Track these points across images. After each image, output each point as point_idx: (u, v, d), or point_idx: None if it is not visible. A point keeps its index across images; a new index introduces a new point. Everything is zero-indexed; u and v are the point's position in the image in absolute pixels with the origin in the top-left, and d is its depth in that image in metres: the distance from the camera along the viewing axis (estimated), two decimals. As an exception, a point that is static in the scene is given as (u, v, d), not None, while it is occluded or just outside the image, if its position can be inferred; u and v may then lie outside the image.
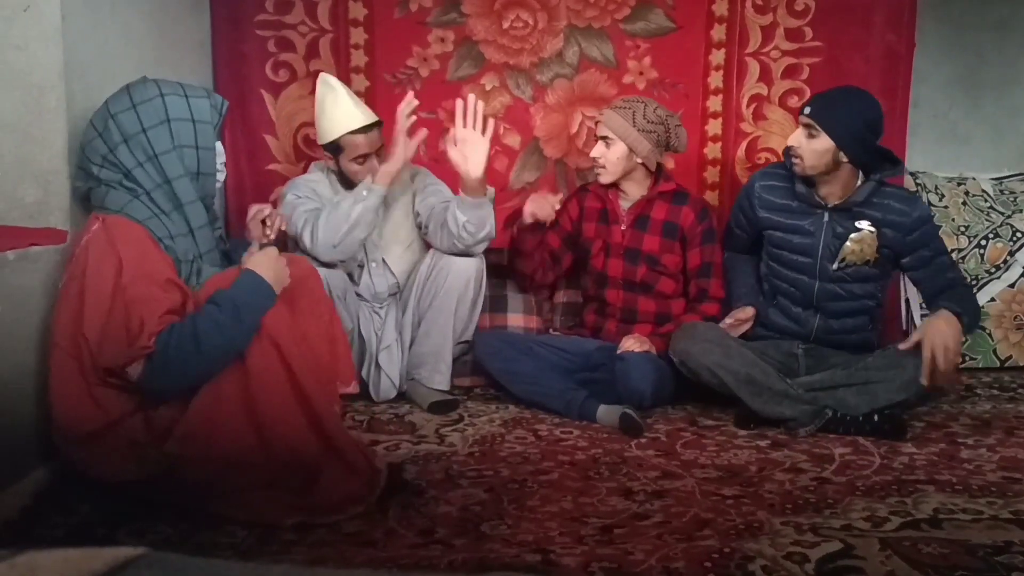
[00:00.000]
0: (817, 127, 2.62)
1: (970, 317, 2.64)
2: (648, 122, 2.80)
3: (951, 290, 2.69)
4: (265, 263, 2.05)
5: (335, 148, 2.81)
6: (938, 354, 2.52)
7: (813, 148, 2.64)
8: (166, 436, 1.94)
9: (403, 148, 2.73)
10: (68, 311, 1.94)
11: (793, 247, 2.80)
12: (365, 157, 2.80)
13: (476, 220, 2.75)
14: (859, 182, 2.70)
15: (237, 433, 1.93)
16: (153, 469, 1.92)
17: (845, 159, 2.64)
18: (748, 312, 2.86)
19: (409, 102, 2.73)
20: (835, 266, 2.70)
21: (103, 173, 2.05)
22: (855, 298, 2.77)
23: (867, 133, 2.64)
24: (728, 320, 2.82)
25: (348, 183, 2.87)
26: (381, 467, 2.07)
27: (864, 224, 2.67)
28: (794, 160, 2.69)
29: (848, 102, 2.65)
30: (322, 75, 2.87)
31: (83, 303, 1.91)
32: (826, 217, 2.73)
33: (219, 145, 2.20)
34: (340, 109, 2.78)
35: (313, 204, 2.79)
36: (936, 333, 2.55)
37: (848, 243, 2.70)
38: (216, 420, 1.93)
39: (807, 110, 2.66)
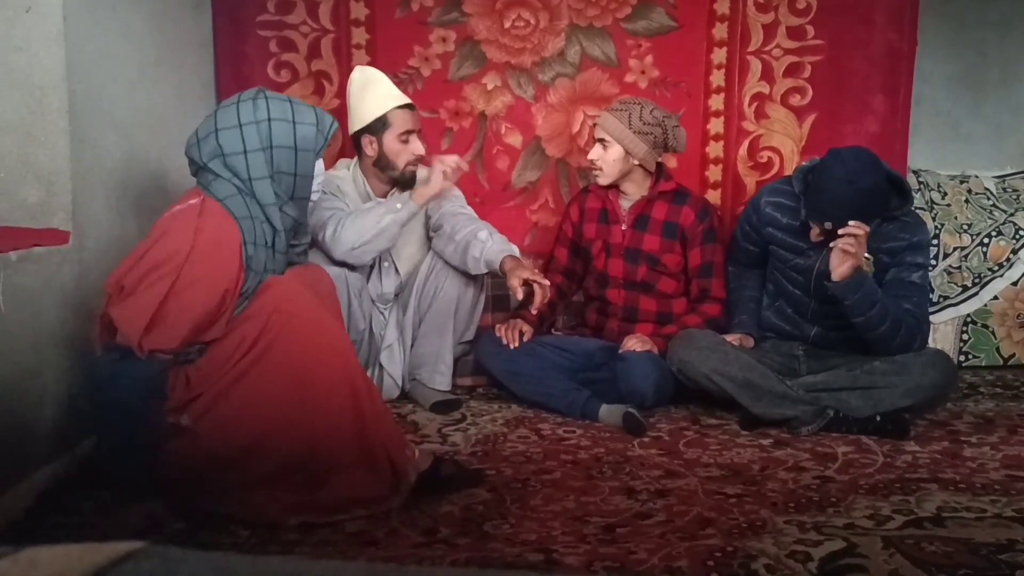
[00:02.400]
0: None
1: (875, 323, 2.58)
2: (644, 124, 2.79)
3: (900, 313, 2.62)
4: None
5: (380, 125, 2.80)
6: (847, 246, 2.49)
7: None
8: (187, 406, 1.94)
9: (440, 176, 2.75)
10: (128, 260, 1.96)
11: (791, 265, 2.80)
12: (409, 135, 2.81)
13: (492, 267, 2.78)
14: None
15: (265, 418, 1.91)
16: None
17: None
18: (748, 342, 2.85)
19: (459, 165, 2.80)
20: (830, 290, 2.69)
21: (211, 164, 2.05)
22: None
23: (881, 204, 2.60)
24: (730, 339, 2.81)
25: (379, 175, 2.87)
26: (409, 479, 2.02)
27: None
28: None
29: (851, 192, 2.54)
30: (359, 67, 2.93)
31: (140, 259, 1.93)
32: (827, 245, 2.67)
33: (320, 164, 2.18)
34: (385, 88, 2.83)
35: (338, 202, 2.80)
36: (856, 255, 2.51)
37: None
38: (248, 401, 1.92)
39: (828, 225, 2.59)
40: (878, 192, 2.59)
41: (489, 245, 2.74)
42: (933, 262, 3.39)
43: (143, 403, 1.90)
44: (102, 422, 1.91)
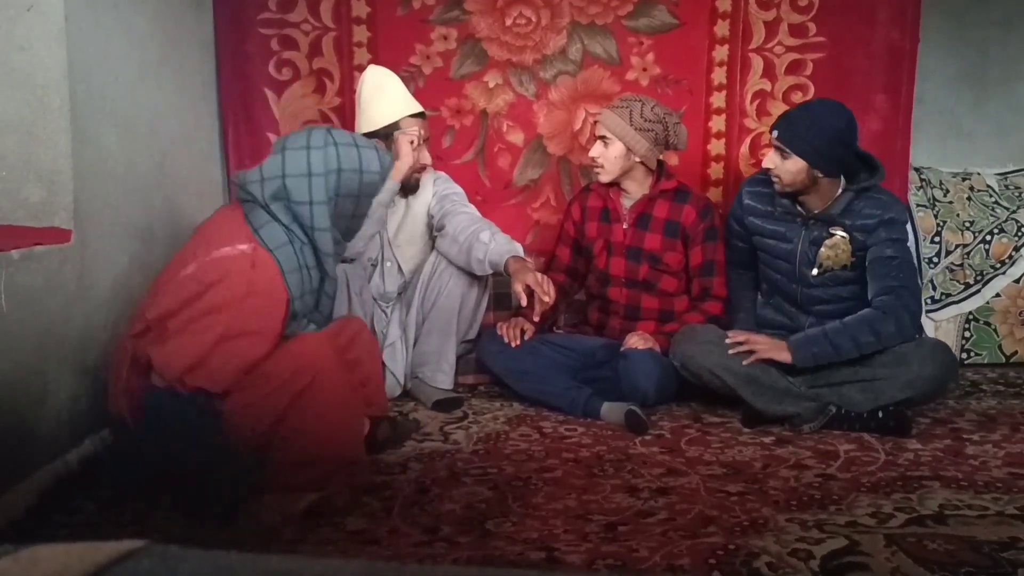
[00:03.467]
0: (787, 148, 2.62)
1: (849, 347, 2.61)
2: (645, 120, 2.79)
3: (879, 303, 2.62)
4: None
5: (391, 132, 2.80)
6: (748, 348, 2.63)
7: (787, 168, 2.64)
8: None
9: (407, 147, 2.75)
10: (173, 296, 1.95)
11: (774, 253, 2.81)
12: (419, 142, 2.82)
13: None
14: (840, 191, 2.69)
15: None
16: None
17: (820, 175, 2.64)
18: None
19: (421, 133, 2.81)
20: (814, 272, 2.71)
21: (272, 205, 2.05)
22: (842, 300, 2.75)
23: (835, 146, 2.61)
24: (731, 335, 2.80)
25: None
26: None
27: (837, 231, 2.67)
28: (773, 180, 2.70)
29: (812, 118, 2.62)
30: (373, 66, 2.92)
31: (190, 302, 1.94)
32: (804, 226, 2.73)
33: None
34: (399, 94, 2.83)
35: None
36: (767, 348, 2.64)
37: (823, 249, 2.70)
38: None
39: (775, 132, 2.66)
40: (828, 132, 2.59)
41: (492, 246, 2.74)
42: (937, 259, 3.39)
43: (193, 436, 1.92)
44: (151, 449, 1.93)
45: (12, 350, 1.95)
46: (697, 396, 2.81)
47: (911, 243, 2.67)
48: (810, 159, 2.61)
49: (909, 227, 2.69)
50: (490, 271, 2.79)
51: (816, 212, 2.71)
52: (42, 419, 2.06)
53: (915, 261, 2.72)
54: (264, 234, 2.03)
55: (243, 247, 2.00)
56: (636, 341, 2.77)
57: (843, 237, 2.66)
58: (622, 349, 2.78)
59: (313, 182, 2.03)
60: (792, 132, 2.62)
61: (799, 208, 2.74)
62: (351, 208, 2.11)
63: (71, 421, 2.16)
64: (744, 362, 2.62)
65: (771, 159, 2.68)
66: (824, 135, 2.59)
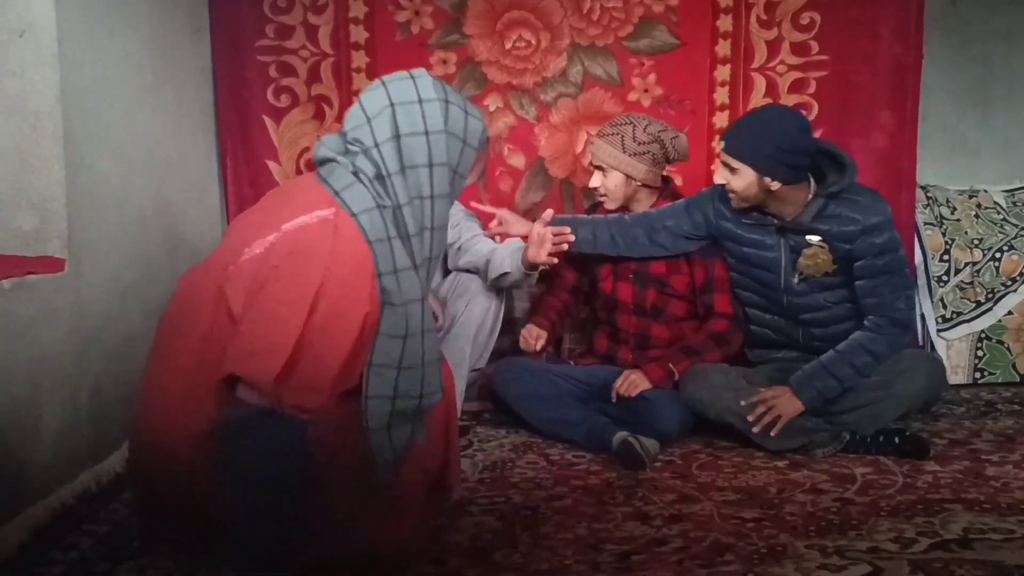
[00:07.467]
0: (734, 160, 2.52)
1: (846, 380, 2.54)
2: (639, 144, 2.73)
3: (870, 324, 2.56)
4: None
5: None
6: (770, 417, 2.53)
7: (737, 183, 2.54)
8: None
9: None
10: (240, 273, 1.65)
11: (755, 262, 2.71)
12: None
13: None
14: (811, 195, 2.57)
15: None
16: None
17: (775, 184, 2.51)
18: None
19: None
20: (795, 280, 2.64)
21: (358, 160, 1.75)
22: (829, 306, 2.66)
23: (784, 153, 2.47)
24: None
25: None
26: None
27: (813, 239, 2.57)
28: (730, 196, 2.60)
29: (756, 126, 2.53)
30: None
31: (262, 287, 1.62)
32: (780, 233, 2.63)
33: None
34: None
35: None
36: (783, 405, 2.53)
37: (801, 259, 2.61)
38: None
39: (722, 144, 2.58)
40: (775, 137, 2.46)
41: (499, 252, 2.71)
42: (946, 278, 3.33)
43: (282, 470, 1.58)
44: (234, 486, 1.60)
45: (4, 381, 1.90)
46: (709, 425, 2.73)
47: (898, 238, 2.58)
48: (758, 167, 2.49)
49: (891, 224, 2.56)
50: (509, 270, 2.69)
51: (788, 220, 2.60)
52: (35, 453, 2.01)
53: (904, 258, 2.63)
54: (347, 196, 1.70)
55: (323, 212, 1.68)
56: (635, 382, 2.68)
57: (821, 246, 2.57)
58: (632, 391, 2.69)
59: (426, 108, 1.74)
60: (738, 141, 2.52)
61: (770, 217, 2.63)
62: (454, 155, 1.76)
63: (65, 455, 2.11)
64: (773, 433, 2.52)
65: (721, 174, 2.58)
66: (772, 141, 2.46)
